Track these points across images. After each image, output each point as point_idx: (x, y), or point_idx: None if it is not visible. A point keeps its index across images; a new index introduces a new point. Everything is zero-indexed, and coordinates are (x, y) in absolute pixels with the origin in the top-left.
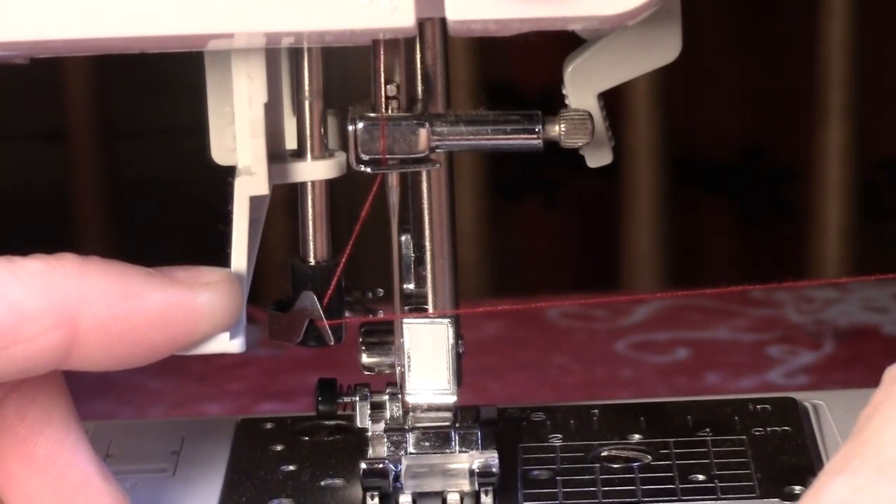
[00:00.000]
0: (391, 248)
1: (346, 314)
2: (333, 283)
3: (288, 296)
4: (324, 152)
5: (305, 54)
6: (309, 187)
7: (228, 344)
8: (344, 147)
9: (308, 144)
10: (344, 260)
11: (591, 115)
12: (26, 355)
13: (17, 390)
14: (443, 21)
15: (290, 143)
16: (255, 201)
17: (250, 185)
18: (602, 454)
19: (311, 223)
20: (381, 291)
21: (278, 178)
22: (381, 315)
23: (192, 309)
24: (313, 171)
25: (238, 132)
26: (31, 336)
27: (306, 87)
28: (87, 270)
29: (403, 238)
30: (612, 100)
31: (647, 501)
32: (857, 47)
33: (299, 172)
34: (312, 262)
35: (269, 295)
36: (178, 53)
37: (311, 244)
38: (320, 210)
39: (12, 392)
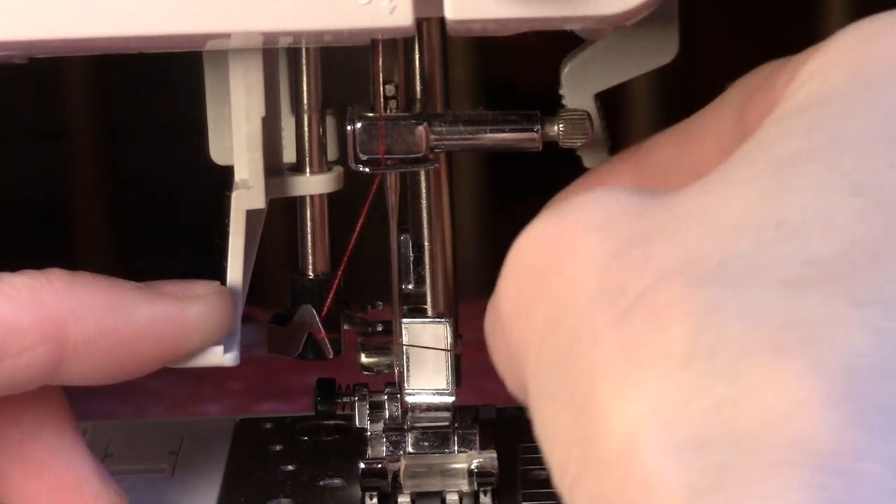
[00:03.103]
0: (390, 248)
1: (345, 327)
2: (331, 296)
3: (286, 309)
4: (322, 166)
5: (304, 67)
6: (308, 201)
7: (222, 357)
8: (343, 148)
9: (307, 158)
10: (340, 273)
11: (589, 115)
12: (14, 371)
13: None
14: (442, 21)
15: (288, 147)
16: (251, 215)
17: (247, 198)
18: None
19: (309, 236)
20: (380, 304)
21: (276, 192)
22: (379, 328)
23: (182, 322)
24: (312, 185)
25: (235, 146)
26: (19, 351)
27: (305, 102)
28: (75, 285)
29: (402, 238)
30: (612, 100)
31: None
32: None
33: (297, 186)
34: (311, 275)
35: (269, 295)
36: (177, 53)
37: (310, 257)
38: (319, 223)
39: (7, 396)
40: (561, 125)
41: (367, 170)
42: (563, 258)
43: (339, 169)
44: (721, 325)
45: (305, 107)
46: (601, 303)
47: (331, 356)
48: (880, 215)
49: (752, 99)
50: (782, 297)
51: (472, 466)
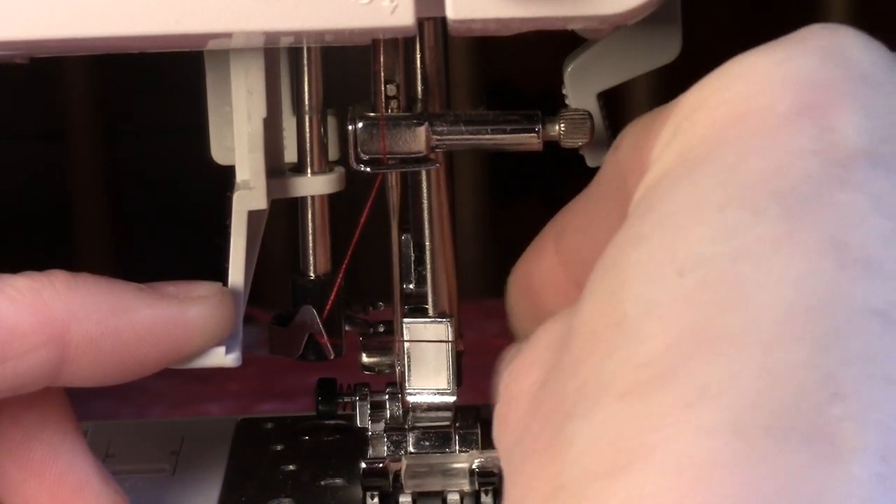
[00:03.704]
0: (391, 247)
1: (346, 328)
2: (332, 297)
3: (288, 310)
4: (324, 167)
5: (305, 67)
6: (309, 201)
7: (224, 359)
8: (344, 148)
9: (308, 159)
10: (342, 274)
11: (590, 115)
12: (16, 373)
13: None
14: (443, 20)
15: (290, 146)
16: (252, 216)
17: (248, 199)
18: None
19: (310, 237)
20: (381, 305)
21: (277, 193)
22: (381, 329)
23: (184, 323)
24: (313, 185)
25: (236, 147)
26: (21, 353)
27: (306, 102)
28: (77, 287)
29: (403, 237)
30: (613, 99)
31: None
32: None
33: (299, 187)
34: (312, 276)
35: (270, 295)
36: (177, 53)
37: (311, 258)
38: (320, 224)
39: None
40: (562, 125)
41: (368, 169)
42: (510, 406)
43: (340, 170)
44: (574, 458)
45: (307, 107)
46: (519, 447)
47: (332, 357)
48: (705, 293)
49: (629, 166)
50: (621, 414)
51: (474, 466)
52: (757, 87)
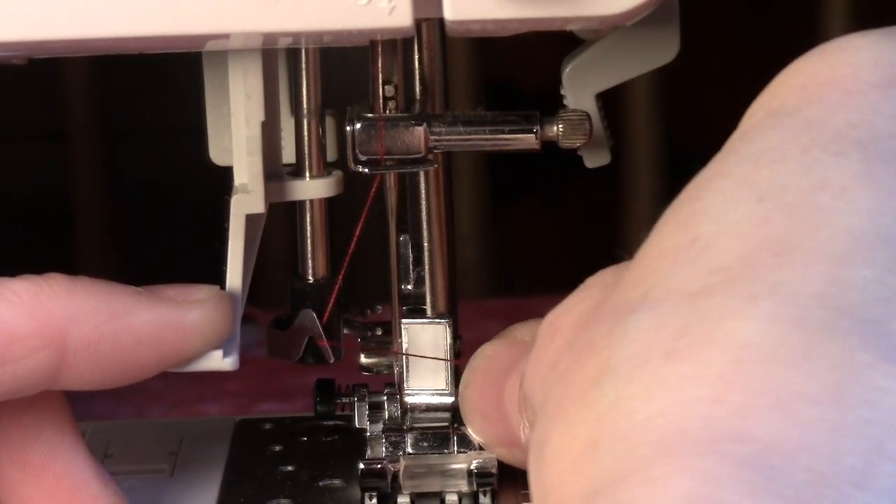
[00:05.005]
0: (389, 248)
1: (344, 331)
2: (332, 300)
3: (287, 313)
4: (322, 170)
5: (303, 70)
6: (307, 205)
7: (221, 362)
8: (342, 148)
9: (306, 162)
10: (341, 278)
11: (589, 116)
12: (14, 376)
13: None
14: (441, 21)
15: (288, 147)
16: (251, 219)
17: (247, 203)
18: None
19: (309, 241)
20: (379, 308)
21: (275, 197)
22: (379, 332)
23: (182, 327)
24: (311, 189)
25: (235, 150)
26: (19, 357)
27: (304, 106)
28: (75, 290)
29: (402, 238)
30: (612, 100)
31: None
32: None
33: (297, 191)
34: (311, 279)
35: (269, 295)
36: (177, 54)
37: (310, 262)
38: (319, 227)
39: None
40: (560, 125)
41: (366, 170)
42: (554, 336)
43: (338, 173)
44: (628, 344)
45: (305, 111)
46: (568, 353)
47: (331, 361)
48: (783, 215)
49: None
50: (685, 308)
51: (472, 467)
52: (848, 60)
